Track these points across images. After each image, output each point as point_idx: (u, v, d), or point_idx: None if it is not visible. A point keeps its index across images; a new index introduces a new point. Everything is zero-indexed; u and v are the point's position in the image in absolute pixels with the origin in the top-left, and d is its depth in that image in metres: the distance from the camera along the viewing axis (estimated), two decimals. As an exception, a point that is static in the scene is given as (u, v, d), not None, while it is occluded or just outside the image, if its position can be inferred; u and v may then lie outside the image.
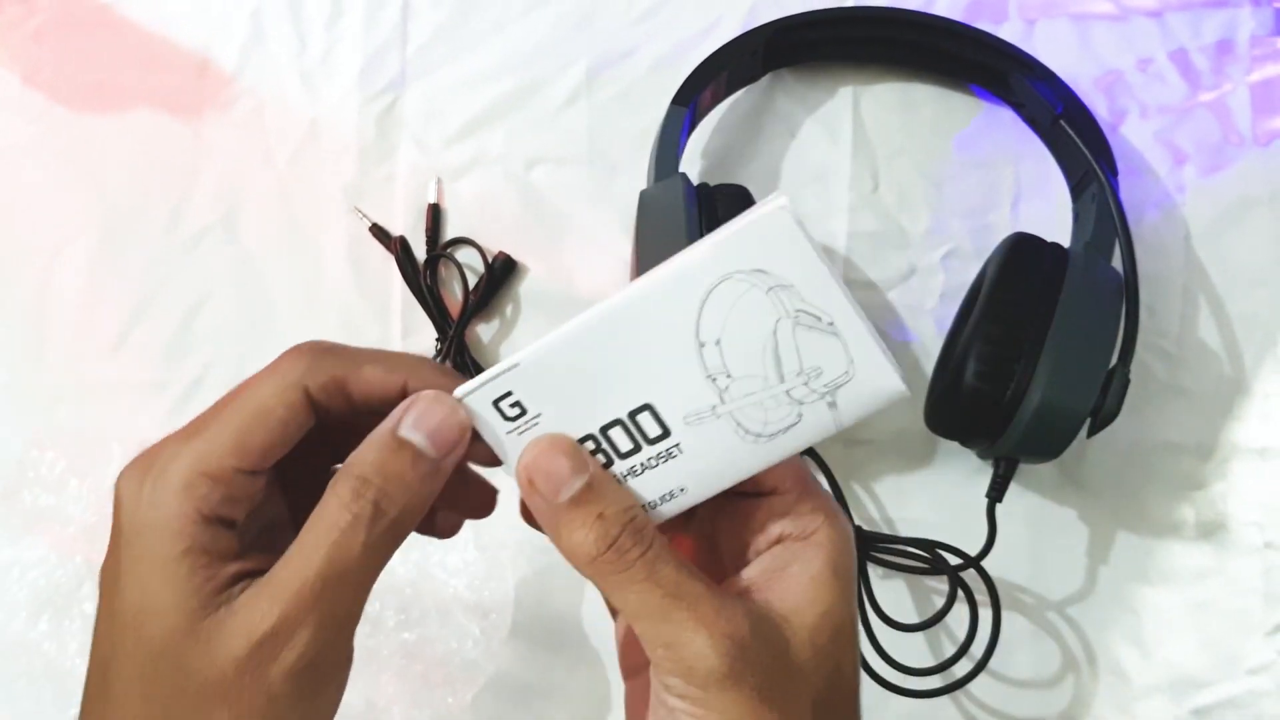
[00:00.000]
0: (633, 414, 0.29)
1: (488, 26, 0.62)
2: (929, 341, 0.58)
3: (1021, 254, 0.52)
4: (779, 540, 0.30)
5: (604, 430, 0.29)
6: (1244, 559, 0.56)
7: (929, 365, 0.56)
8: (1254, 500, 0.56)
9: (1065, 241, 0.55)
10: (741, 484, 0.30)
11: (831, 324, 0.27)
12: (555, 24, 0.61)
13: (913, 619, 0.55)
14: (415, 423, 0.28)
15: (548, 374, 0.28)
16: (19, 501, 0.58)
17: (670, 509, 0.30)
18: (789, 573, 0.29)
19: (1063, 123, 0.55)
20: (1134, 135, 0.59)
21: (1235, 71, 0.59)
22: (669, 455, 0.29)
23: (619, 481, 0.29)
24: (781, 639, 0.28)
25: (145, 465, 0.27)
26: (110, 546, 0.28)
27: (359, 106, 0.61)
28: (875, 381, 0.28)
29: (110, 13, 0.62)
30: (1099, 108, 0.59)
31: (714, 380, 0.28)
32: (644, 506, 0.29)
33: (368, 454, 0.28)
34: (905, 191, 0.59)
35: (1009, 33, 0.59)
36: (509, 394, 0.29)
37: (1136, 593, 0.57)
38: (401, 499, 0.27)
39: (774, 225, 0.27)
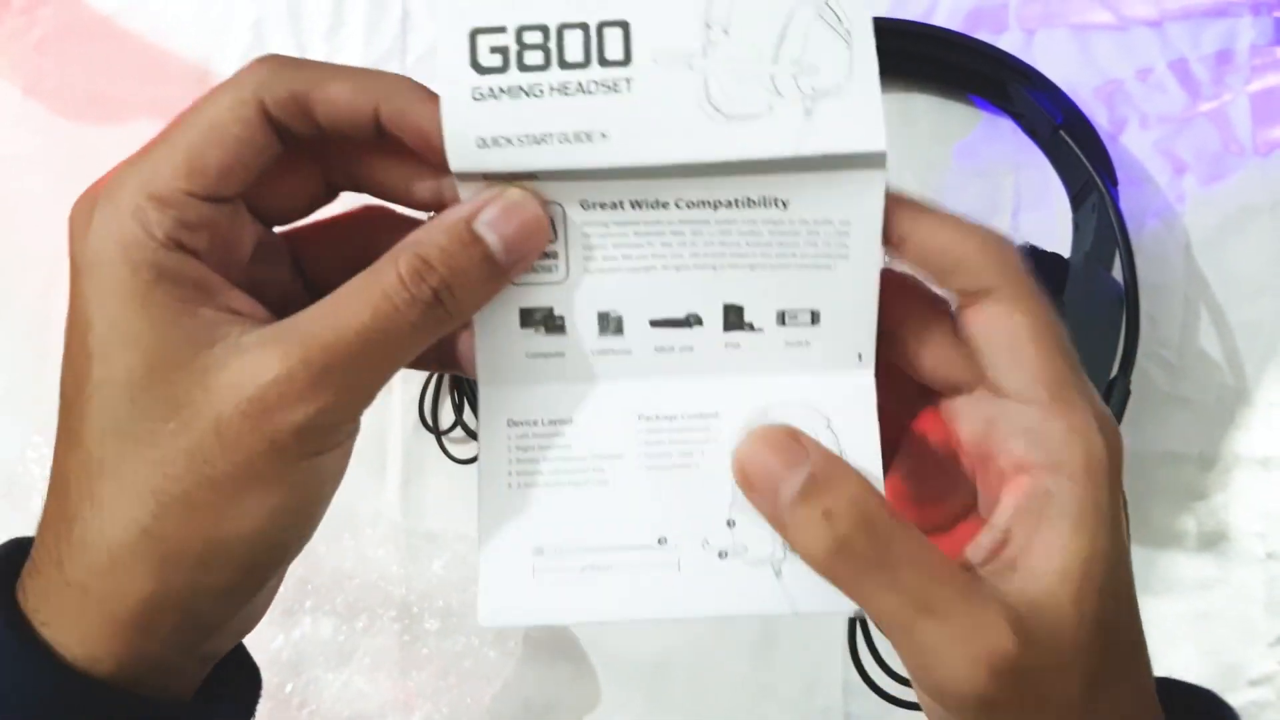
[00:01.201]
0: (604, 24, 0.25)
1: (488, 37, 0.62)
2: (929, 351, 0.58)
3: (1022, 264, 0.52)
4: (1025, 468, 0.25)
5: (562, 27, 0.25)
6: (1246, 569, 0.56)
7: (929, 375, 0.56)
8: (1256, 510, 0.56)
9: (1065, 251, 0.55)
10: (979, 382, 0.26)
11: (849, 33, 0.25)
12: (555, 34, 0.61)
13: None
14: (493, 221, 0.25)
15: None
16: (28, 504, 0.58)
17: (580, 156, 0.25)
18: (1044, 529, 0.24)
19: (1063, 133, 0.55)
20: (1134, 145, 0.59)
21: (1235, 81, 0.59)
22: (613, 87, 0.25)
23: (529, 94, 0.25)
24: (1047, 634, 0.23)
25: (92, 195, 0.25)
26: (70, 289, 0.25)
27: (359, 117, 0.61)
28: (858, 114, 0.25)
29: (112, 24, 0.62)
30: (1099, 117, 0.59)
31: (709, 29, 0.25)
32: (549, 136, 0.25)
33: (437, 237, 0.25)
34: (905, 201, 0.59)
35: (1008, 43, 0.59)
36: None
37: (1139, 603, 0.56)
38: (461, 295, 0.25)
39: None
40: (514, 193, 0.25)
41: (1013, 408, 0.25)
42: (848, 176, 0.26)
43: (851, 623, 0.53)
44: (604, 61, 0.25)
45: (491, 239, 0.25)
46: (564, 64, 0.25)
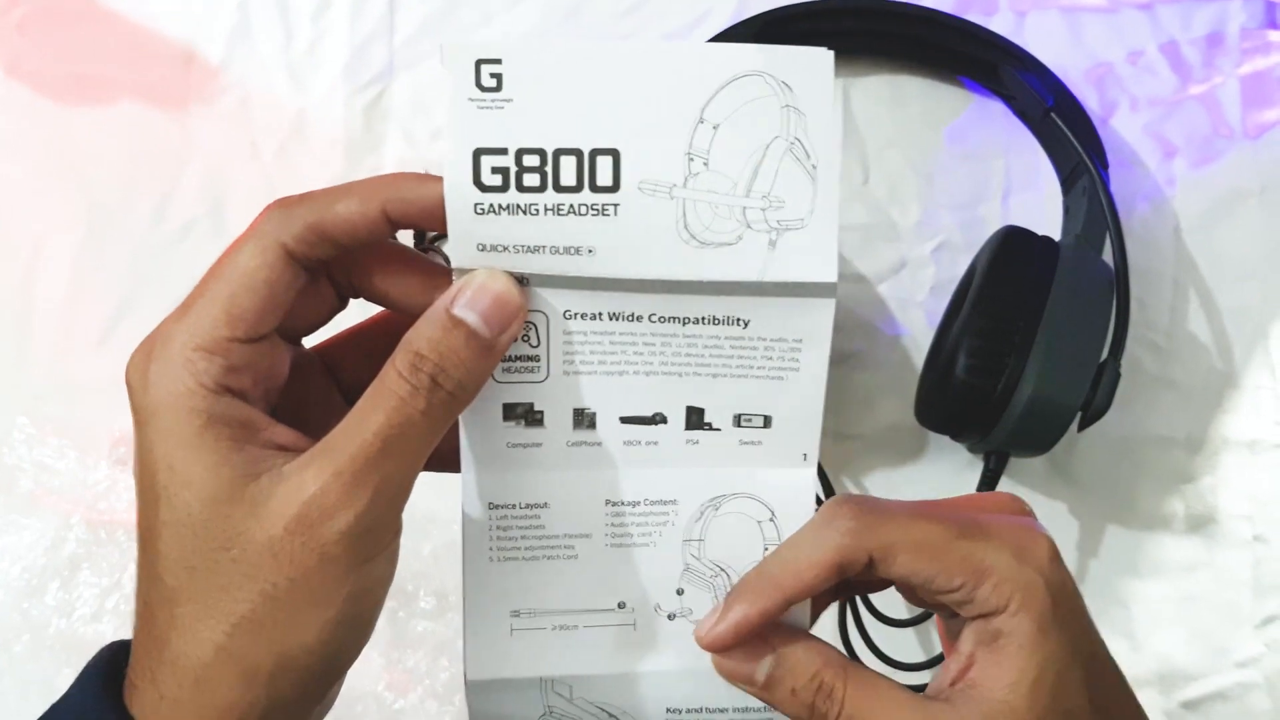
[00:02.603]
0: (596, 152, 0.27)
1: (476, 18, 0.61)
2: (919, 335, 0.58)
3: (1012, 247, 0.52)
4: (978, 619, 0.29)
5: (558, 152, 0.27)
6: (1233, 552, 0.56)
7: (920, 359, 0.56)
8: (1243, 493, 0.57)
9: (1055, 234, 0.55)
10: (918, 588, 0.29)
11: (815, 168, 0.28)
12: (543, 15, 0.61)
13: (904, 614, 0.55)
14: (469, 302, 0.28)
15: (547, 64, 0.27)
16: (14, 487, 0.58)
17: (567, 265, 0.28)
18: (1001, 640, 0.28)
19: (1053, 115, 0.55)
20: (1124, 128, 0.59)
21: (1225, 64, 0.59)
22: (601, 211, 0.27)
23: (525, 212, 0.28)
24: None
25: (145, 350, 0.28)
26: (135, 439, 0.28)
27: (346, 99, 0.61)
28: (816, 247, 0.28)
29: (94, 4, 0.61)
30: (1089, 100, 0.59)
31: (691, 160, 0.28)
32: (542, 248, 0.28)
33: (424, 330, 0.28)
34: (896, 184, 0.59)
35: (999, 25, 0.59)
36: (499, 62, 0.27)
37: (1126, 586, 0.57)
38: (457, 374, 0.27)
39: (818, 59, 0.28)
40: (480, 274, 0.28)
41: (955, 595, 0.29)
42: (802, 302, 0.29)
43: (841, 606, 0.53)
44: (595, 187, 0.27)
45: (471, 318, 0.27)
46: (559, 187, 0.27)
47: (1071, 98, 0.56)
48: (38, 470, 0.58)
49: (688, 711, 0.31)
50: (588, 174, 0.27)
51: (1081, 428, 0.50)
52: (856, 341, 0.58)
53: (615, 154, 0.27)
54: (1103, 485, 0.57)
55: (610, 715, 0.31)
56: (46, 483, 0.58)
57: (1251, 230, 0.58)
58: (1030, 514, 0.31)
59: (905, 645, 0.55)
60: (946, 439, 0.54)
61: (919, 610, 0.53)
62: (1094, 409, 0.49)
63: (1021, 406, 0.48)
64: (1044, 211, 0.58)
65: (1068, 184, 0.57)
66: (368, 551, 0.27)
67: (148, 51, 0.61)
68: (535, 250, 0.28)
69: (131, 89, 0.61)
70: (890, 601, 0.56)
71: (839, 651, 0.30)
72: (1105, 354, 0.50)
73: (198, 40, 0.61)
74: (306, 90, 0.61)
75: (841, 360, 0.58)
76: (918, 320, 0.58)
